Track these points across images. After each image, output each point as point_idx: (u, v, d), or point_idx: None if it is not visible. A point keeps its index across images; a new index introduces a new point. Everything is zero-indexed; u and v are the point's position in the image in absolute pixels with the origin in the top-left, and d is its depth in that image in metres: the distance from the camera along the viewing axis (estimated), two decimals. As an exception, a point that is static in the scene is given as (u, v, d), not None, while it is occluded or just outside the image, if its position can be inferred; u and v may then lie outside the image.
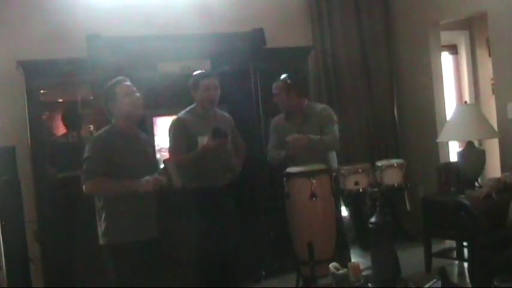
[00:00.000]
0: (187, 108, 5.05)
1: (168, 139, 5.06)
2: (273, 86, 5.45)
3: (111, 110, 4.09)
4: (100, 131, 4.20)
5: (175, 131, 4.97)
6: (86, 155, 3.98)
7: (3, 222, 5.22)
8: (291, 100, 5.34)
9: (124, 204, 3.95)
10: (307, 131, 5.23)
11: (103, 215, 3.99)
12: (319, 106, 5.56)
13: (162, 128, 5.72)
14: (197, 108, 5.03)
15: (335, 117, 5.42)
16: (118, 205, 3.96)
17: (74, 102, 5.96)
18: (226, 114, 5.23)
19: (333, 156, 5.43)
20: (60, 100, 5.99)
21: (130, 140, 4.09)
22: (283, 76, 5.39)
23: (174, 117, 5.10)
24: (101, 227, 4.01)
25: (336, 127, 5.35)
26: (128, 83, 4.16)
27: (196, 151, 4.86)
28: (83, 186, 3.95)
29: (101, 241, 4.03)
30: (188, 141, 4.90)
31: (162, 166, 4.25)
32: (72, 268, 5.47)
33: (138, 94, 4.12)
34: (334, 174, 5.13)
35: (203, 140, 4.83)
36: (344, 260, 4.90)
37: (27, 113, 5.56)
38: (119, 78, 4.19)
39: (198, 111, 5.02)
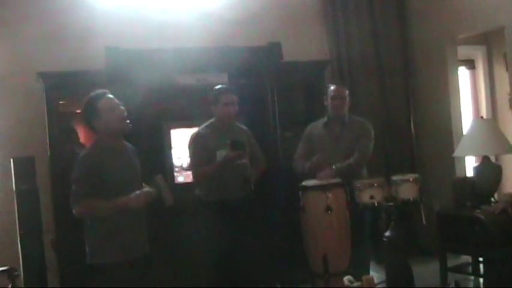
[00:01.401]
0: (207, 123, 5.16)
1: (188, 153, 5.16)
2: (335, 88, 5.52)
3: (95, 126, 3.90)
4: (86, 150, 4.04)
5: (196, 145, 5.07)
6: (73, 176, 3.81)
7: (22, 231, 5.29)
8: (345, 107, 5.48)
9: (113, 223, 3.81)
10: (344, 141, 5.37)
11: (92, 235, 3.87)
12: (359, 119, 5.63)
13: (179, 140, 5.78)
14: (216, 122, 5.13)
15: (372, 133, 5.52)
16: (107, 224, 3.81)
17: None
18: (244, 127, 5.31)
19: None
20: (78, 111, 6.01)
21: (116, 154, 3.92)
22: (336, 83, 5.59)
23: (191, 129, 5.21)
24: (90, 246, 3.87)
25: (370, 144, 5.46)
26: (110, 95, 3.95)
27: (215, 163, 4.94)
28: (73, 209, 3.79)
29: (90, 260, 3.87)
30: (208, 156, 4.98)
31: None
32: (88, 277, 5.50)
33: (122, 107, 3.93)
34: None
35: (222, 154, 4.91)
36: (362, 274, 4.90)
37: (46, 124, 5.63)
38: (99, 91, 3.95)
39: (217, 125, 5.12)
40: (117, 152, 3.93)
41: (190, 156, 5.15)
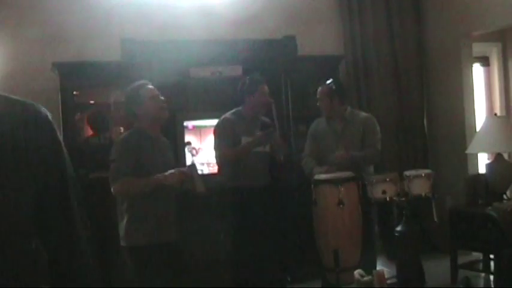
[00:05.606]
0: (233, 110, 5.21)
1: (214, 137, 5.22)
2: (317, 91, 5.53)
3: (136, 112, 4.13)
4: (125, 133, 4.32)
5: (222, 129, 5.14)
6: (112, 157, 4.04)
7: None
8: (334, 106, 5.42)
9: (145, 206, 3.99)
10: (347, 137, 5.33)
11: (125, 217, 4.03)
12: (363, 114, 5.61)
13: (193, 132, 5.81)
14: (244, 111, 5.19)
15: (378, 128, 5.49)
16: (140, 207, 4.00)
17: (106, 104, 6.01)
18: (267, 119, 5.30)
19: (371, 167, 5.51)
20: (92, 102, 6.04)
21: (153, 142, 4.14)
22: (328, 81, 5.48)
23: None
24: (122, 229, 4.05)
25: (378, 139, 5.43)
26: (151, 86, 4.20)
27: (243, 145, 5.03)
28: (112, 188, 3.99)
29: (122, 243, 4.06)
30: (233, 141, 5.05)
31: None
32: (101, 267, 5.52)
33: (162, 97, 4.17)
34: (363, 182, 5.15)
35: (247, 140, 5.00)
36: (370, 267, 4.91)
37: (60, 114, 5.65)
38: (142, 81, 4.23)
39: (245, 114, 5.18)
40: (153, 139, 4.15)
41: (216, 139, 5.18)
